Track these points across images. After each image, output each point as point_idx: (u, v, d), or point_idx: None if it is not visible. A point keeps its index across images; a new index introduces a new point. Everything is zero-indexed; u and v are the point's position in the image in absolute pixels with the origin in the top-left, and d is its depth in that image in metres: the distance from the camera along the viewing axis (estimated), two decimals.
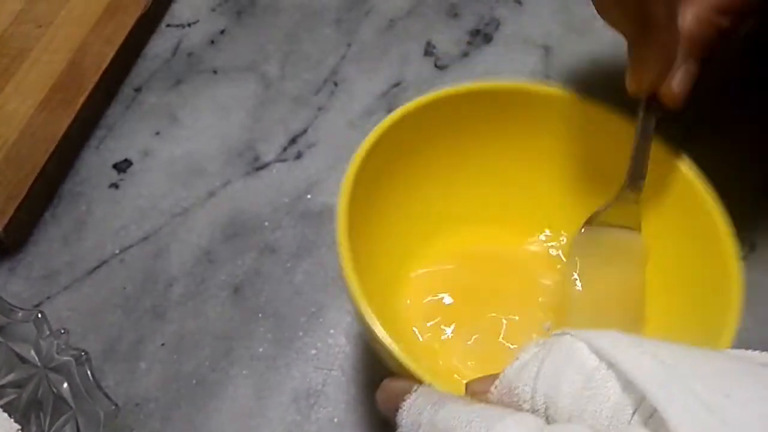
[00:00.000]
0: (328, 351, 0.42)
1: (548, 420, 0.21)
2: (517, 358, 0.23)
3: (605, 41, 0.56)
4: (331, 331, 0.42)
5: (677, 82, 0.33)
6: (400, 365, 0.28)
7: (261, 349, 0.42)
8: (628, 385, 0.19)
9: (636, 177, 0.36)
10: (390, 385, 0.28)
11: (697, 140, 0.35)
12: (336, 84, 0.54)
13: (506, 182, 0.42)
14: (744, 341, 0.27)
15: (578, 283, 0.37)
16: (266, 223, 0.47)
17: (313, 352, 0.42)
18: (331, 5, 0.60)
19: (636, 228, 0.38)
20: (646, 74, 0.34)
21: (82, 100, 0.50)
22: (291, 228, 0.46)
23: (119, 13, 0.55)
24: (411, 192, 0.41)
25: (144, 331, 0.42)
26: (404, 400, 0.25)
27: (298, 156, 0.50)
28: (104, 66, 0.52)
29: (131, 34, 0.54)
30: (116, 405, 0.33)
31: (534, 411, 0.21)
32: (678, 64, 0.33)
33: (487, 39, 0.57)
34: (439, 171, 0.41)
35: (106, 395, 0.34)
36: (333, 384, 0.41)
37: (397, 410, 0.25)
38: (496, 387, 0.23)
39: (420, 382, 0.26)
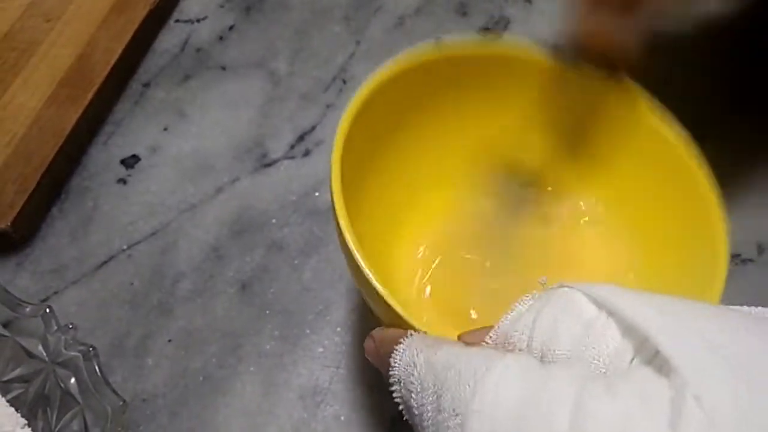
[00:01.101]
0: (335, 349, 0.42)
1: None
2: (513, 310, 0.23)
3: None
4: (339, 328, 0.42)
5: (627, 35, 0.33)
6: (395, 315, 0.27)
7: (268, 346, 0.42)
8: (627, 331, 0.19)
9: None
10: (381, 332, 0.27)
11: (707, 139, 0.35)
12: (345, 81, 0.54)
13: (494, 143, 0.41)
14: None
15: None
16: (274, 220, 0.47)
17: (320, 349, 0.42)
18: (341, 3, 0.59)
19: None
20: (594, 22, 0.33)
21: (90, 95, 0.49)
22: (298, 225, 0.46)
23: (128, 8, 0.55)
24: (401, 152, 0.40)
25: (151, 327, 0.42)
26: (398, 344, 0.24)
27: (307, 153, 0.50)
28: (113, 61, 0.52)
29: (140, 29, 0.54)
30: (124, 400, 0.33)
31: None
32: (628, 16, 0.33)
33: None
34: (427, 132, 0.41)
35: (114, 391, 0.34)
36: (340, 382, 0.40)
37: (388, 356, 0.24)
38: (491, 337, 0.23)
39: (414, 330, 0.25)
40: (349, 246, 0.28)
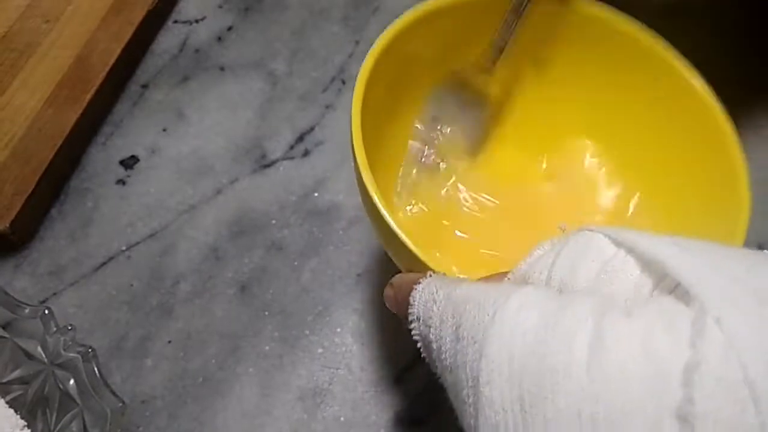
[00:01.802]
0: (334, 350, 0.42)
1: None
2: (532, 254, 0.23)
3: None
4: (338, 329, 0.42)
5: None
6: (413, 257, 0.28)
7: (267, 348, 0.42)
8: (646, 266, 0.19)
9: (495, 49, 0.38)
10: (400, 278, 0.27)
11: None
12: (344, 82, 0.54)
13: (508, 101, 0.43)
14: None
15: None
16: (273, 221, 0.47)
17: (320, 350, 0.42)
18: (339, 3, 0.59)
19: (484, 96, 0.41)
20: None
21: (89, 96, 0.49)
22: (298, 226, 0.46)
23: (126, 9, 0.55)
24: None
25: (151, 329, 0.42)
26: (417, 284, 0.24)
27: (306, 154, 0.50)
28: (111, 62, 0.52)
29: (138, 30, 0.54)
30: (123, 402, 0.33)
31: None
32: None
33: None
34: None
35: (113, 392, 0.34)
36: (339, 383, 0.40)
37: (406, 298, 0.24)
38: (508, 279, 0.23)
39: (433, 271, 0.26)
40: (368, 189, 0.30)
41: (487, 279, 0.24)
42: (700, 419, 0.15)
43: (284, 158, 0.50)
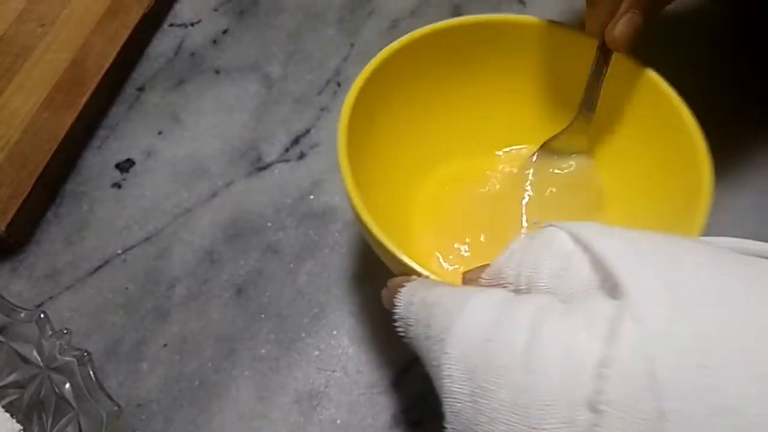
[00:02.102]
0: (330, 352, 0.42)
1: None
2: (507, 249, 0.25)
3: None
4: (334, 332, 0.42)
5: (619, 27, 0.37)
6: (400, 262, 0.31)
7: (263, 350, 0.42)
8: (597, 264, 0.21)
9: (586, 108, 0.40)
10: (392, 280, 0.30)
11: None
12: (339, 84, 0.54)
13: (490, 113, 0.45)
14: None
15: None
16: (269, 224, 0.47)
17: (316, 353, 0.42)
18: (334, 6, 0.60)
19: (587, 152, 0.43)
20: (597, 17, 0.38)
21: (84, 99, 0.50)
22: (294, 229, 0.46)
23: (122, 12, 0.55)
24: (403, 127, 0.43)
25: (146, 332, 0.42)
26: (402, 287, 0.28)
27: (301, 156, 0.50)
28: (107, 65, 0.52)
29: (134, 33, 0.54)
30: (119, 406, 0.33)
31: (517, 292, 0.24)
32: (622, 11, 0.37)
33: None
34: (423, 106, 0.43)
35: (109, 396, 0.34)
36: (336, 385, 0.40)
37: (394, 300, 0.28)
38: (486, 273, 0.26)
39: (418, 275, 0.29)
40: (355, 203, 0.32)
41: (470, 272, 0.27)
42: (608, 408, 0.17)
43: (280, 161, 0.50)
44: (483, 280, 0.26)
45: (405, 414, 0.39)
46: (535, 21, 0.41)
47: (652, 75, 0.38)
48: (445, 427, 0.22)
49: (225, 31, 0.58)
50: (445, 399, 0.21)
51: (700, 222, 0.33)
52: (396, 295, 0.27)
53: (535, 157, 0.43)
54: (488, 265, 0.26)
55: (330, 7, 0.59)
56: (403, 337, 0.27)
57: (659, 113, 0.38)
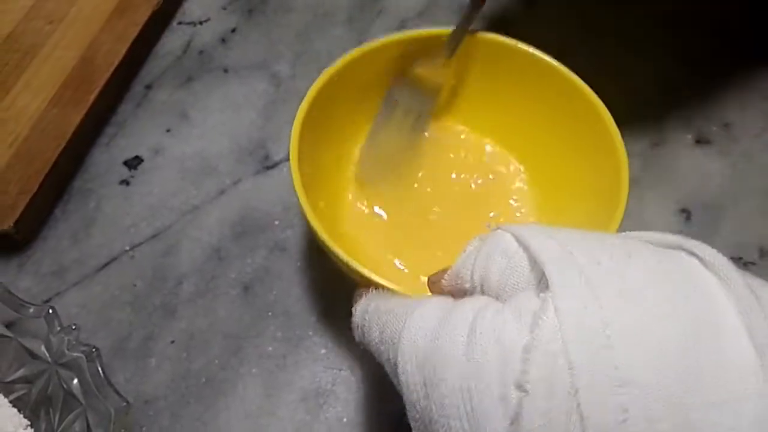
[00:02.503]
0: (337, 351, 0.42)
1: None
2: (465, 250, 0.28)
3: (615, 39, 0.56)
4: (341, 330, 0.42)
5: None
6: (360, 275, 0.33)
7: (270, 348, 0.42)
8: (533, 262, 0.24)
9: (448, 49, 0.43)
10: (356, 292, 0.33)
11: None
12: None
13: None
14: None
15: None
16: (276, 222, 0.47)
17: (323, 351, 0.42)
18: (343, 5, 0.60)
19: (438, 88, 0.45)
20: None
21: (93, 96, 0.50)
22: (301, 227, 0.46)
23: (130, 10, 0.55)
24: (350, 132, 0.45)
25: (154, 329, 0.42)
26: (359, 298, 0.31)
27: None
28: (115, 63, 0.52)
29: (143, 31, 0.54)
30: (127, 402, 0.33)
31: (473, 290, 0.26)
32: None
33: None
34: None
35: (117, 392, 0.34)
36: (343, 383, 0.40)
37: (352, 309, 0.31)
38: (446, 278, 0.28)
39: (379, 287, 0.32)
40: (319, 234, 0.35)
41: (433, 275, 0.29)
42: (532, 386, 0.20)
43: (287, 159, 0.49)
44: (444, 282, 0.28)
45: None
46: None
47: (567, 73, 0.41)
48: None
49: (233, 30, 0.58)
50: (403, 391, 0.25)
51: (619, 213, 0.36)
52: (354, 306, 0.31)
53: (394, 89, 0.45)
54: (446, 270, 0.28)
55: (339, 6, 0.59)
56: (359, 342, 0.30)
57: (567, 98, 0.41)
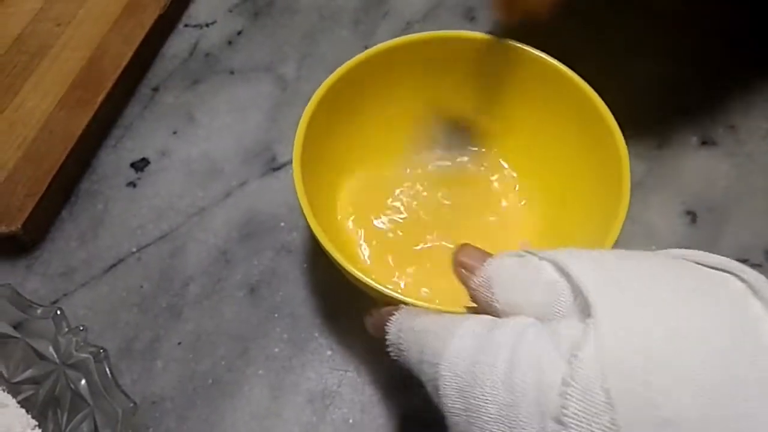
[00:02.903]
0: (343, 352, 0.42)
1: None
2: (499, 257, 0.28)
3: (619, 41, 0.56)
4: (347, 332, 0.42)
5: None
6: (385, 296, 0.32)
7: (277, 350, 0.42)
8: (576, 290, 0.23)
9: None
10: (379, 311, 0.32)
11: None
12: None
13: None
14: None
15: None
16: (282, 224, 0.47)
17: (329, 353, 0.42)
18: (349, 7, 0.60)
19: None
20: None
21: (100, 98, 0.50)
22: (307, 229, 0.46)
23: (138, 12, 0.56)
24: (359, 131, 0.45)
25: (160, 330, 0.42)
26: (391, 316, 0.31)
27: None
28: (123, 65, 0.52)
29: (150, 33, 0.55)
30: (134, 402, 0.33)
31: (504, 313, 0.26)
32: None
33: None
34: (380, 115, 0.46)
35: (124, 393, 0.34)
36: (349, 385, 0.41)
37: (385, 328, 0.31)
38: (477, 277, 0.28)
39: (404, 304, 0.31)
40: (343, 264, 0.34)
41: (462, 252, 0.29)
42: (571, 421, 0.20)
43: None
44: (473, 282, 0.28)
45: (418, 414, 0.39)
46: (478, 36, 0.43)
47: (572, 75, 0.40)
48: None
49: (240, 32, 0.58)
50: (445, 413, 0.25)
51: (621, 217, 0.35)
52: (387, 325, 0.31)
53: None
54: (481, 252, 0.29)
55: (344, 8, 0.60)
56: (396, 359, 0.30)
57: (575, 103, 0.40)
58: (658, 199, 0.48)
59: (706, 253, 0.24)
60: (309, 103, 0.39)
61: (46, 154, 0.47)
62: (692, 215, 0.47)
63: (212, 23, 0.59)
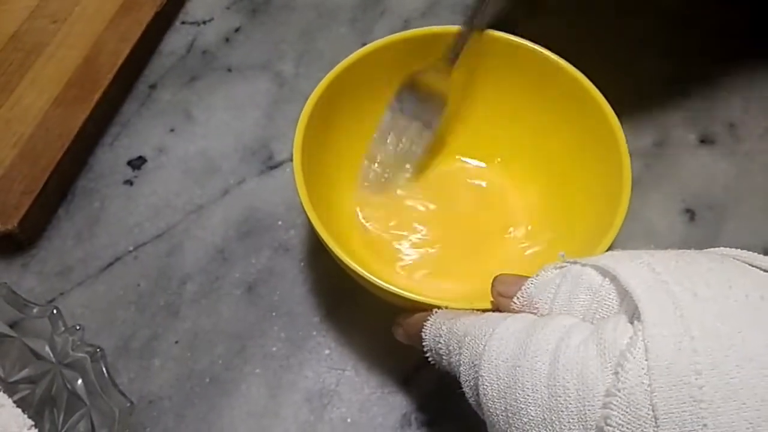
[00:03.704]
0: (341, 351, 0.42)
1: None
2: (538, 275, 0.28)
3: (619, 40, 0.56)
4: (345, 331, 0.42)
5: None
6: (414, 302, 0.32)
7: (274, 348, 0.42)
8: (623, 294, 0.23)
9: (453, 54, 0.42)
10: (409, 318, 0.33)
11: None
12: None
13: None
14: None
15: None
16: (280, 222, 0.46)
17: (327, 351, 0.42)
18: (346, 5, 0.60)
19: (445, 95, 0.44)
20: None
21: (97, 96, 0.50)
22: (305, 227, 0.46)
23: (134, 9, 0.55)
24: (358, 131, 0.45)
25: (158, 329, 0.42)
26: (426, 321, 0.31)
27: None
28: (119, 62, 0.52)
29: (146, 30, 0.54)
30: (131, 402, 0.33)
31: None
32: None
33: None
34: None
35: (121, 392, 0.33)
36: (347, 384, 0.40)
37: (418, 333, 0.31)
38: (518, 299, 0.28)
39: (436, 307, 0.32)
40: (366, 277, 0.33)
41: (500, 283, 0.29)
42: (613, 430, 0.20)
43: (291, 159, 0.49)
44: (515, 305, 0.28)
45: (416, 413, 0.39)
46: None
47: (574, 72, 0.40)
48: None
49: (237, 29, 0.58)
50: (484, 413, 0.25)
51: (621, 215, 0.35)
52: (423, 330, 0.31)
53: (398, 94, 0.44)
54: (519, 277, 0.29)
55: (342, 6, 0.59)
56: (433, 363, 0.31)
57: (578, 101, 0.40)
58: (657, 197, 0.48)
59: (755, 254, 0.24)
60: (310, 98, 0.40)
61: (42, 152, 0.46)
62: (691, 213, 0.47)
63: (209, 20, 0.58)
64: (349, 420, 0.39)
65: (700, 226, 0.47)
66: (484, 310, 0.30)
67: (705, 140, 0.51)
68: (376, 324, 0.42)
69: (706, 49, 0.56)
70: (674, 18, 0.58)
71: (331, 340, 0.42)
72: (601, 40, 0.55)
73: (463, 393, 0.28)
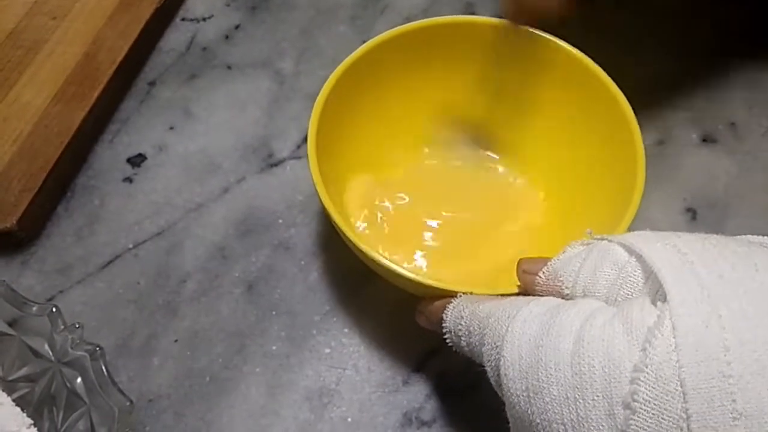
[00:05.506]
0: (341, 350, 0.41)
1: None
2: (564, 251, 0.28)
3: (620, 38, 0.55)
4: (346, 330, 0.42)
5: None
6: (436, 289, 0.32)
7: (274, 347, 0.41)
8: (648, 273, 0.23)
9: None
10: (430, 304, 0.33)
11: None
12: None
13: (456, 108, 0.47)
14: None
15: None
16: (280, 221, 0.46)
17: (327, 350, 0.41)
18: (346, 2, 0.59)
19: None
20: None
21: (96, 93, 0.49)
22: (305, 226, 0.46)
23: (134, 6, 0.55)
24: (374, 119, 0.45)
25: (157, 327, 0.42)
26: (449, 304, 0.31)
27: None
28: (119, 59, 0.51)
29: (146, 27, 0.54)
30: (131, 400, 0.33)
31: (572, 296, 0.26)
32: None
33: None
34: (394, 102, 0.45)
35: (121, 391, 0.33)
36: (347, 383, 0.40)
37: (439, 318, 0.31)
38: (543, 273, 0.28)
39: (456, 294, 0.32)
40: (391, 267, 0.33)
41: (526, 263, 0.29)
42: (641, 407, 0.20)
43: (291, 157, 0.49)
44: (540, 279, 0.28)
45: (416, 413, 0.39)
46: (490, 21, 0.43)
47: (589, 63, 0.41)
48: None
49: (237, 27, 0.58)
50: (504, 394, 0.25)
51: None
52: (445, 312, 0.31)
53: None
54: (543, 259, 0.29)
55: (342, 3, 0.59)
56: (452, 346, 0.31)
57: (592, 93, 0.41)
58: (658, 195, 0.48)
59: None
60: (321, 91, 0.40)
61: (41, 150, 0.46)
62: (693, 212, 0.47)
63: (209, 17, 0.58)
64: (349, 419, 0.39)
65: (701, 225, 0.47)
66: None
67: (707, 139, 0.51)
68: (377, 323, 0.42)
69: (708, 49, 0.56)
70: (674, 16, 0.58)
71: (331, 339, 0.42)
72: (602, 39, 0.55)
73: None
